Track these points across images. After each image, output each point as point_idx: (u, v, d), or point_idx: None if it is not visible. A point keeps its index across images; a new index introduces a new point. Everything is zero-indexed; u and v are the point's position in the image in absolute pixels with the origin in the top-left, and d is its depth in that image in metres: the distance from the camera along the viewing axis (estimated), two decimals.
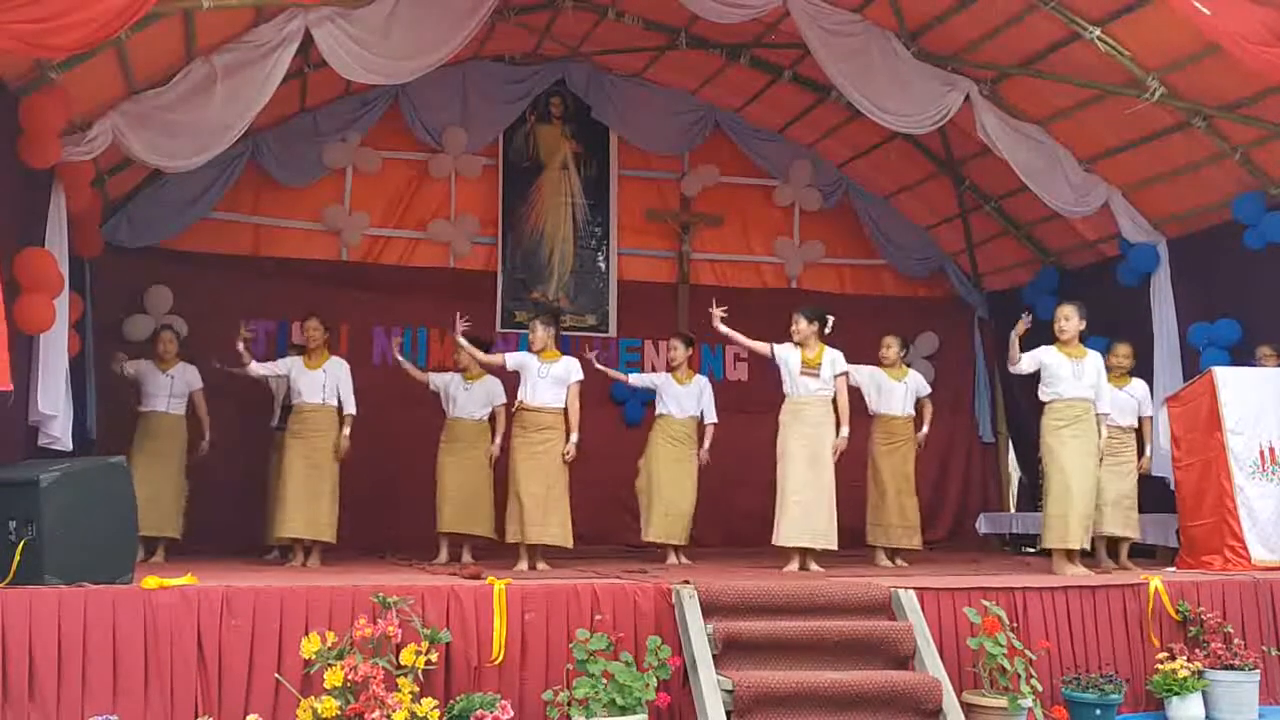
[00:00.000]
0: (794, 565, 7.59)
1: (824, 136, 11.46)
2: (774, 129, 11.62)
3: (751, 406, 10.96)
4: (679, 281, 11.61)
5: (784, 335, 11.65)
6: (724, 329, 8.06)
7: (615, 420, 10.96)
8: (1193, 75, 7.97)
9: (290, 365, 8.23)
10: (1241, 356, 8.52)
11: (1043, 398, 7.68)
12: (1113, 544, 8.13)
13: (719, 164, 11.68)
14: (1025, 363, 7.69)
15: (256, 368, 8.23)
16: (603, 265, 11.49)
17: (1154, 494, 8.57)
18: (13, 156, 6.48)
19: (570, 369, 7.87)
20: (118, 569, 5.41)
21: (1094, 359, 7.63)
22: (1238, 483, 7.47)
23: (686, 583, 5.74)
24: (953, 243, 12.00)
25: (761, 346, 7.97)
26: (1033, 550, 9.31)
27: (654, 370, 11.36)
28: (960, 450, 11.96)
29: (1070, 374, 7.52)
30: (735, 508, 10.30)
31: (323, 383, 8.09)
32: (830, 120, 11.07)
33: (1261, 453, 7.54)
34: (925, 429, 8.90)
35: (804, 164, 11.70)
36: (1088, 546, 7.51)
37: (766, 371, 11.54)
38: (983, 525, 10.89)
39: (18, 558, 5.16)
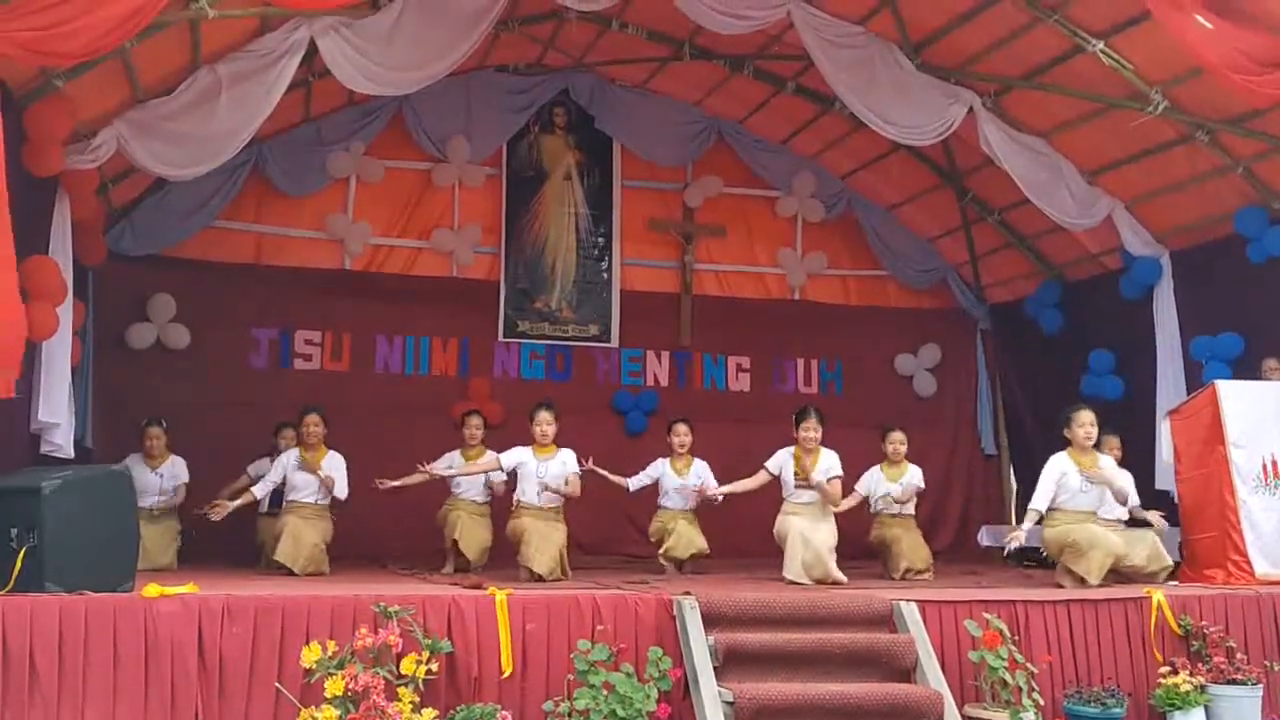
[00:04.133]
0: None
1: (827, 148, 11.48)
2: (777, 140, 11.64)
3: (752, 416, 10.98)
4: (682, 292, 11.61)
5: (786, 345, 11.77)
6: (720, 495, 8.15)
7: (618, 430, 10.97)
8: (1196, 89, 7.97)
9: (286, 467, 7.98)
10: (1244, 370, 8.51)
11: None
12: None
13: (722, 174, 11.68)
14: (1043, 487, 7.37)
15: (259, 491, 7.96)
16: (605, 275, 11.48)
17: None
18: (17, 164, 6.47)
19: (568, 466, 7.69)
20: (119, 577, 5.41)
21: (1105, 466, 7.46)
22: (1240, 496, 7.43)
23: (688, 594, 5.73)
24: (956, 254, 12.01)
25: (759, 478, 7.91)
26: (1034, 563, 9.26)
27: (654, 380, 11.40)
28: (962, 462, 11.95)
29: (1078, 487, 7.36)
30: (736, 516, 10.25)
31: (319, 487, 7.94)
32: (833, 132, 11.09)
33: (1264, 466, 7.51)
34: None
35: (807, 175, 11.71)
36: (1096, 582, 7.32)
37: (768, 381, 11.67)
38: (984, 538, 10.85)
39: (19, 565, 5.16)
